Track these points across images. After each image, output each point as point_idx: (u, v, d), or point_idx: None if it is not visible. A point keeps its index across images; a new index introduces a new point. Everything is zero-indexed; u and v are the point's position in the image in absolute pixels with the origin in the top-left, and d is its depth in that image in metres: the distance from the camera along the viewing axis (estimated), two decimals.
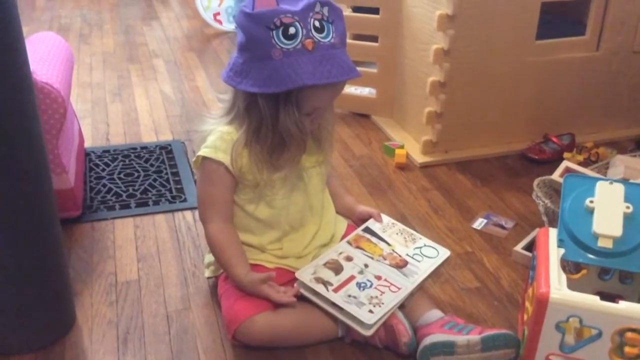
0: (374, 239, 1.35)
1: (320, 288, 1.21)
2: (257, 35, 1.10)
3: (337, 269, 1.26)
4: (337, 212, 1.41)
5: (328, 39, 1.13)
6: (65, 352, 1.22)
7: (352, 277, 1.24)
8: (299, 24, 1.10)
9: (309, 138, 1.27)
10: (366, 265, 1.27)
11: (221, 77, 1.18)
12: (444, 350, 1.14)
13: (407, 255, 1.32)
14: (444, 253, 1.34)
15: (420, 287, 1.28)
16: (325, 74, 1.11)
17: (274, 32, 1.10)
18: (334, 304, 1.20)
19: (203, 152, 1.23)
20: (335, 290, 1.21)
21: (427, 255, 1.32)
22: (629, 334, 1.04)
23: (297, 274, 1.24)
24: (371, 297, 1.20)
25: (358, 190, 1.82)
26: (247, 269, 1.23)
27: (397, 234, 1.37)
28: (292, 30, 1.10)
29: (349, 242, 1.33)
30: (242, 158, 1.22)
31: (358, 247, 1.32)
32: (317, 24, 1.12)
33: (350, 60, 1.16)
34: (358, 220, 1.41)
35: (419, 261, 1.30)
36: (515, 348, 1.15)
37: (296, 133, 1.18)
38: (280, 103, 1.15)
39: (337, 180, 1.52)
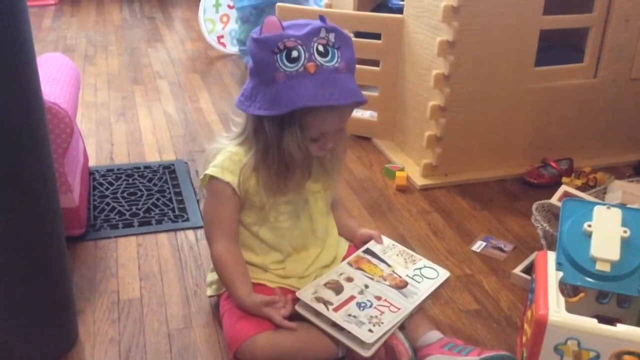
0: (374, 260, 1.36)
1: (320, 307, 1.22)
2: (263, 59, 1.13)
3: (337, 289, 1.27)
4: (340, 235, 1.42)
5: (332, 63, 1.14)
6: None
7: (352, 297, 1.25)
8: (302, 47, 1.12)
9: (314, 164, 1.29)
10: (366, 286, 1.28)
11: (234, 104, 1.21)
12: None
13: (407, 276, 1.33)
14: (444, 274, 1.35)
15: (420, 308, 1.29)
16: (326, 96, 1.12)
17: (278, 55, 1.12)
18: (334, 324, 1.20)
19: (211, 170, 1.24)
20: (336, 310, 1.22)
21: (427, 276, 1.33)
22: (627, 357, 1.05)
23: (298, 294, 1.25)
24: (371, 316, 1.21)
25: (358, 211, 1.84)
26: (249, 290, 1.24)
27: (397, 255, 1.38)
28: (294, 53, 1.12)
29: (349, 264, 1.34)
30: (250, 181, 1.24)
31: (359, 268, 1.33)
32: (320, 48, 1.14)
33: (357, 86, 1.17)
34: (359, 242, 1.42)
35: (418, 282, 1.31)
36: None
37: (299, 157, 1.19)
38: (285, 126, 1.16)
39: (342, 205, 1.52)
